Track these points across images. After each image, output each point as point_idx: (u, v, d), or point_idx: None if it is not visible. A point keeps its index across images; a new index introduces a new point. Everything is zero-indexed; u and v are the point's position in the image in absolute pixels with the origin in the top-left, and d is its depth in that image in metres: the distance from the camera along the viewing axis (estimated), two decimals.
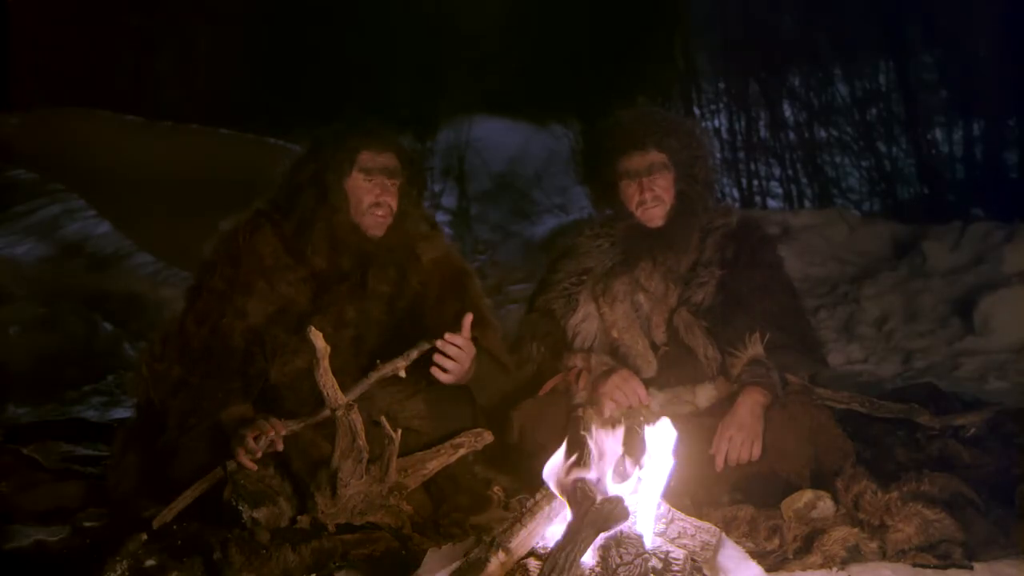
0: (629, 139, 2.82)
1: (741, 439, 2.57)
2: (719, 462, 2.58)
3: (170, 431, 2.50)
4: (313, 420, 2.44)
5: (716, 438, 2.59)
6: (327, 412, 2.39)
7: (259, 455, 2.35)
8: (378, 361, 2.51)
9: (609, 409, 2.62)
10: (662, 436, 2.12)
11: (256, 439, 2.35)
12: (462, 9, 10.40)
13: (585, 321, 2.88)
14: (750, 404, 2.61)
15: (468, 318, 2.60)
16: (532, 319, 2.97)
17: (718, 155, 7.90)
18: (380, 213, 2.70)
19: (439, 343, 2.56)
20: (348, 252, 2.70)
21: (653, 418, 2.64)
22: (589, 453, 2.06)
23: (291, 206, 2.69)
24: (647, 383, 2.75)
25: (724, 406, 2.69)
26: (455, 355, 2.57)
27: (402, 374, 2.51)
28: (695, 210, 2.86)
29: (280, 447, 2.37)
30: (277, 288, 2.65)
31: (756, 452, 2.57)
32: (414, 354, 2.52)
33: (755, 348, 2.70)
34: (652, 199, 2.81)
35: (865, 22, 7.65)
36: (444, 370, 2.58)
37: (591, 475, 2.04)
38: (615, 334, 2.84)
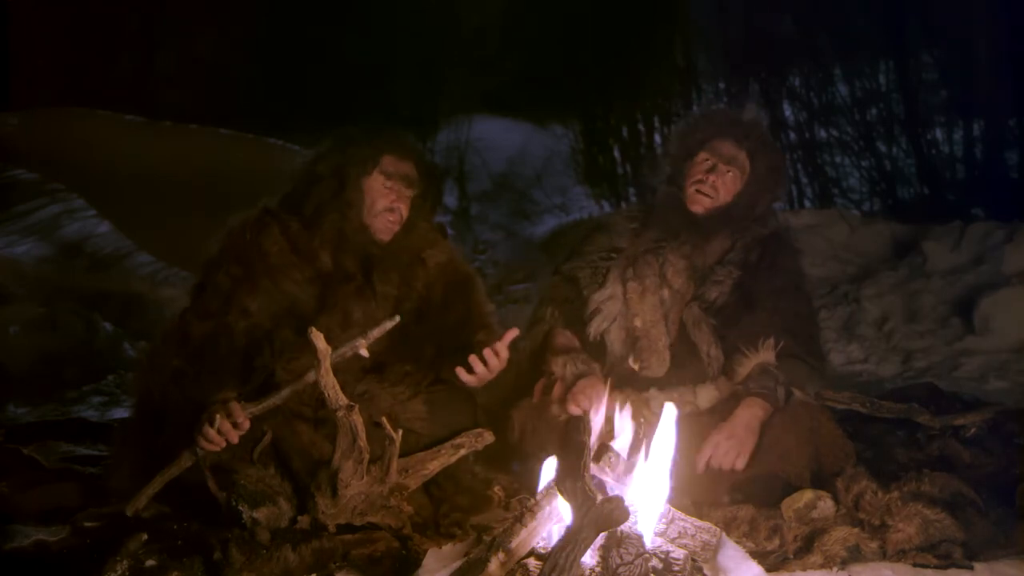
0: (736, 129, 2.89)
1: (727, 448, 2.55)
2: (700, 465, 2.55)
3: (169, 428, 2.49)
4: (274, 402, 2.42)
5: (705, 441, 2.57)
6: (287, 393, 2.40)
7: (221, 444, 2.34)
8: (336, 331, 2.47)
9: (573, 413, 2.60)
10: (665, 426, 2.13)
11: (212, 425, 2.34)
12: (462, 9, 10.40)
13: (610, 300, 2.87)
14: (747, 417, 2.58)
15: (512, 333, 2.60)
16: (554, 282, 2.98)
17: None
18: (391, 219, 2.72)
19: (486, 351, 2.56)
20: (353, 252, 2.71)
21: (653, 418, 2.66)
22: (589, 456, 2.06)
23: (307, 195, 2.70)
24: (655, 382, 2.75)
25: (725, 406, 2.68)
26: (493, 366, 2.58)
27: (364, 352, 2.43)
28: (732, 220, 2.88)
29: (235, 439, 2.35)
30: (282, 286, 2.65)
31: (740, 464, 2.54)
32: (375, 333, 2.45)
33: (767, 354, 2.67)
34: (710, 187, 2.84)
35: (865, 22, 7.64)
36: (471, 372, 2.57)
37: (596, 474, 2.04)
38: (638, 323, 2.83)
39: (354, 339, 2.43)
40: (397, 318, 2.47)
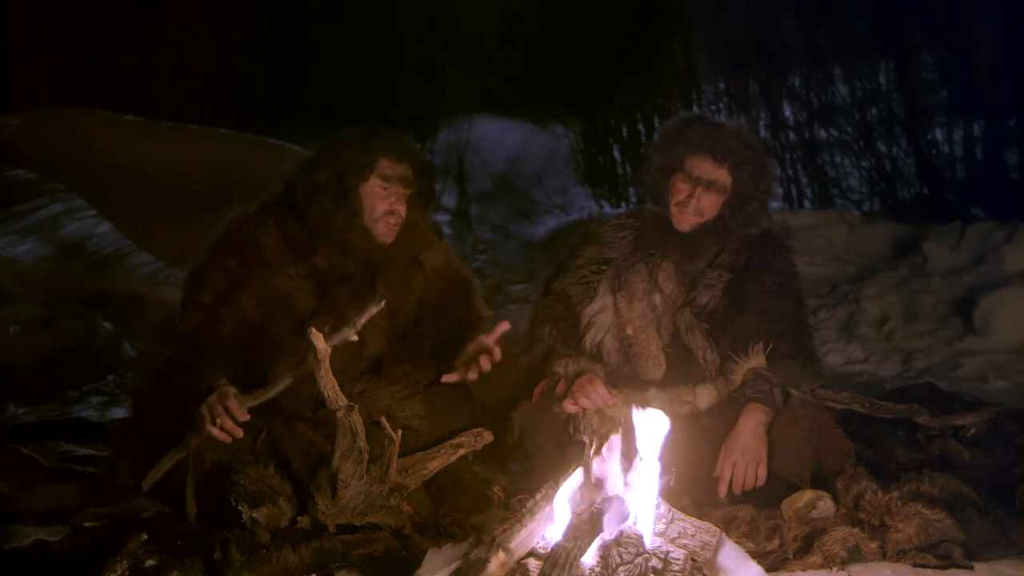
0: (712, 145, 2.77)
1: (746, 463, 2.55)
2: (723, 489, 2.55)
3: (165, 421, 2.49)
4: (270, 394, 2.45)
5: (720, 462, 2.56)
6: (285, 383, 2.43)
7: (227, 440, 2.38)
8: (326, 329, 2.46)
9: (571, 411, 2.61)
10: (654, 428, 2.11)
11: (214, 423, 2.38)
12: (462, 9, 10.40)
13: (601, 312, 2.86)
14: (752, 425, 2.58)
15: (502, 326, 2.61)
16: (547, 302, 2.96)
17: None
18: (393, 221, 2.71)
19: (482, 359, 2.57)
20: (356, 257, 2.71)
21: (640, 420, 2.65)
22: (590, 457, 2.06)
23: (307, 207, 2.69)
24: (654, 382, 2.75)
25: (724, 407, 2.68)
26: (485, 366, 2.58)
27: (354, 338, 2.44)
28: (723, 235, 2.84)
29: (240, 434, 2.39)
30: (274, 281, 2.65)
31: (762, 475, 2.54)
32: (361, 321, 2.44)
33: (757, 358, 2.67)
34: (693, 209, 2.78)
35: (865, 22, 7.64)
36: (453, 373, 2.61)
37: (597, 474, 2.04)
38: (629, 331, 2.82)
39: (342, 331, 2.43)
40: (382, 303, 2.45)
